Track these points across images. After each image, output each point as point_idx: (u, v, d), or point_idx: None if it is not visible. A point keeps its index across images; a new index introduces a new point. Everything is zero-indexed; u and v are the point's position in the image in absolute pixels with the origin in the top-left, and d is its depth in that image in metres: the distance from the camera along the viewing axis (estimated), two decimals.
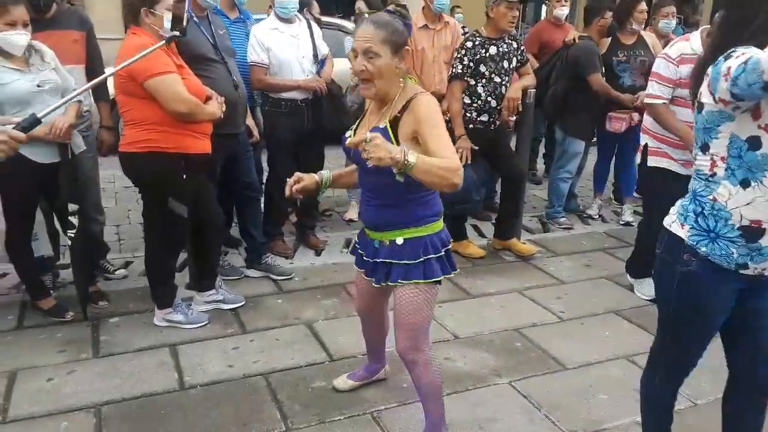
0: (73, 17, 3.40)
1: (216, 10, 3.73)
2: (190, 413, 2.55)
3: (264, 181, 4.15)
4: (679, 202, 1.93)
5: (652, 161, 3.46)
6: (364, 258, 2.24)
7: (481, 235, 4.68)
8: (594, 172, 5.23)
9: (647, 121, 3.51)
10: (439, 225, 2.15)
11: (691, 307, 1.90)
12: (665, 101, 3.29)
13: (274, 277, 3.81)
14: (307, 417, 2.54)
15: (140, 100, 2.84)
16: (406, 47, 2.04)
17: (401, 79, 2.06)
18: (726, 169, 1.72)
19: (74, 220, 3.13)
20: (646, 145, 3.50)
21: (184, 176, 2.97)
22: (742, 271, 1.79)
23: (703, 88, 1.74)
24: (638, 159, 3.58)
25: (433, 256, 2.10)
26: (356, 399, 2.67)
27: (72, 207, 3.12)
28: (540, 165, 6.23)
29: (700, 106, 1.77)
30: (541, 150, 6.11)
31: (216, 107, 3.05)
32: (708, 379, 2.86)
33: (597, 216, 5.11)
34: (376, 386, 2.75)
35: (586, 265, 4.23)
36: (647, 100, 3.40)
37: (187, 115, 2.87)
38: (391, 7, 4.38)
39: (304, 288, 3.73)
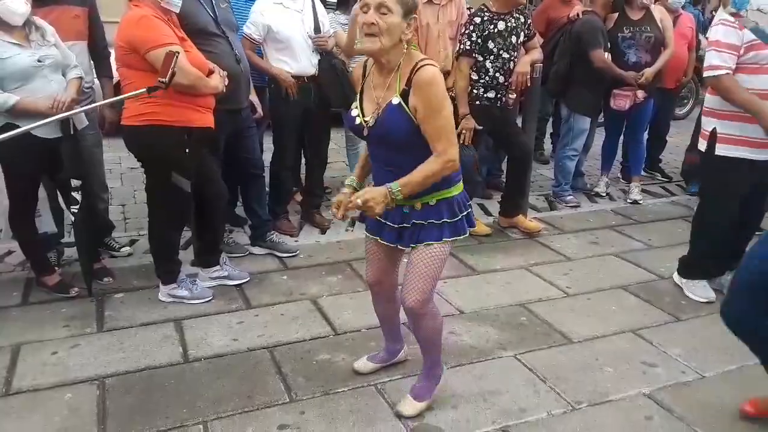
0: None
1: None
2: (194, 385, 2.55)
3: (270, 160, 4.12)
4: None
5: (722, 149, 3.11)
6: (387, 224, 2.21)
7: (487, 213, 4.64)
8: (602, 149, 5.17)
9: (711, 101, 3.18)
10: (461, 186, 2.21)
11: None
12: (728, 71, 2.96)
13: (279, 254, 3.80)
14: (311, 389, 2.53)
15: (142, 72, 2.81)
16: (414, 16, 2.02)
17: (405, 46, 2.03)
18: None
19: (77, 195, 3.12)
20: (714, 131, 3.14)
21: (187, 150, 2.95)
22: None
23: None
24: (703, 146, 3.25)
25: (465, 212, 2.20)
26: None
27: (75, 183, 3.11)
28: (548, 145, 6.18)
29: None
30: (549, 129, 6.05)
31: (218, 81, 3.03)
32: (715, 352, 2.85)
33: (605, 194, 5.06)
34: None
35: (593, 242, 4.19)
36: (707, 73, 3.07)
37: (189, 88, 2.84)
38: None
39: (309, 265, 3.72)
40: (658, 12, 4.68)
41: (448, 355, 2.78)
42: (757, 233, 3.34)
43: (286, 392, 2.51)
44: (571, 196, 4.87)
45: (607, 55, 4.51)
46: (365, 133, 2.10)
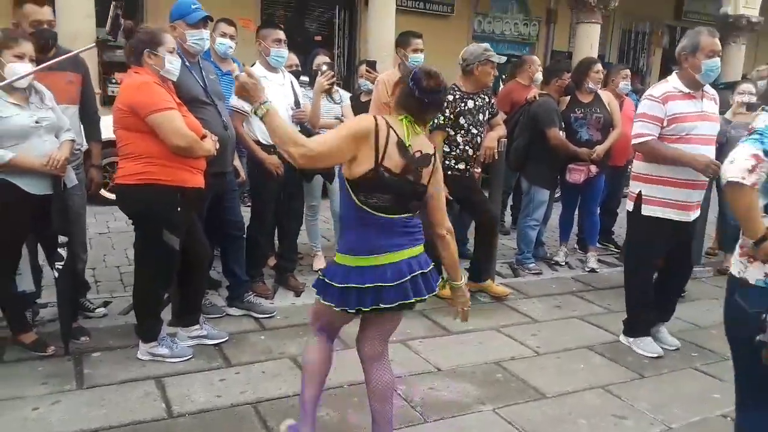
0: (69, 60, 3.52)
1: (206, 56, 3.92)
2: None
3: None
4: None
5: (648, 210, 3.46)
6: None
7: None
8: (559, 221, 5.49)
9: (639, 167, 3.54)
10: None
11: None
12: (653, 137, 3.36)
13: (256, 315, 3.85)
14: None
15: (140, 134, 2.96)
16: None
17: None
18: None
19: (63, 252, 3.16)
20: (640, 193, 3.50)
21: (179, 209, 3.06)
22: None
23: None
24: (630, 206, 3.59)
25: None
26: (345, 424, 2.73)
27: (61, 239, 3.15)
28: (507, 217, 6.48)
29: None
30: (509, 202, 6.37)
31: (211, 145, 3.19)
32: (680, 405, 3.03)
33: (564, 263, 5.33)
34: (363, 409, 2.79)
35: (557, 306, 4.41)
36: (635, 141, 3.46)
37: (186, 150, 2.99)
38: (363, 67, 4.66)
39: (287, 326, 3.78)
40: (606, 96, 5.15)
41: (431, 409, 2.89)
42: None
43: None
44: (534, 264, 5.12)
45: (562, 133, 4.91)
46: None
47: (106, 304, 3.91)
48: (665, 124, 3.37)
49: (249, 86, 2.15)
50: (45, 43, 3.31)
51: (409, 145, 2.19)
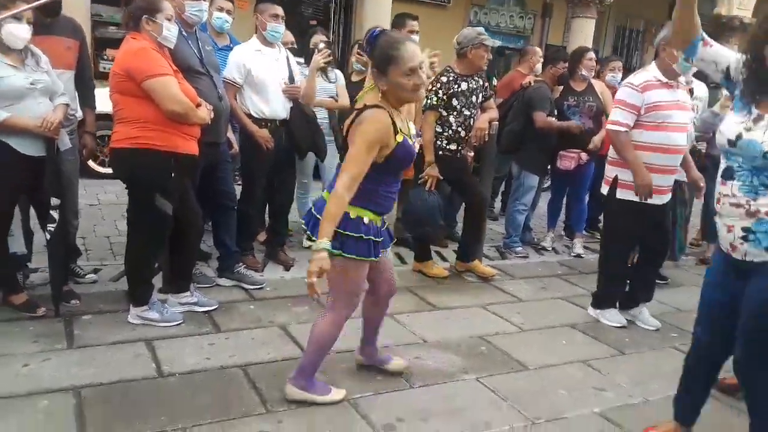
0: (68, 26, 3.53)
1: (202, 27, 3.94)
2: (171, 397, 2.60)
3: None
4: None
5: (621, 194, 3.61)
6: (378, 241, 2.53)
7: (444, 259, 4.89)
8: (547, 207, 5.57)
9: (615, 152, 3.66)
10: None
11: None
12: (626, 129, 3.53)
13: (246, 285, 3.89)
14: (286, 402, 2.62)
15: (135, 98, 2.98)
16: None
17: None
18: None
19: (55, 214, 3.18)
20: (615, 177, 3.64)
21: (173, 174, 3.09)
22: None
23: None
24: (605, 190, 3.74)
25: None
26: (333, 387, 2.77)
27: (54, 201, 3.18)
28: (498, 203, 6.56)
29: None
30: (501, 188, 6.44)
31: (206, 113, 3.22)
32: (658, 381, 3.12)
33: (550, 248, 5.41)
34: (351, 378, 2.88)
35: (542, 287, 4.48)
36: (609, 126, 3.62)
37: (181, 116, 3.02)
38: (356, 48, 4.69)
39: (276, 297, 3.83)
40: (599, 86, 5.22)
41: (416, 376, 2.95)
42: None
43: (262, 405, 2.60)
44: (521, 248, 5.20)
45: (553, 119, 4.98)
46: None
47: (96, 271, 3.95)
48: (643, 111, 3.52)
49: None
50: (53, 7, 3.33)
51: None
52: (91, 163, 6.41)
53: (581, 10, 11.46)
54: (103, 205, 5.65)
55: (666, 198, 3.68)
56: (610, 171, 3.72)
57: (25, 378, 2.64)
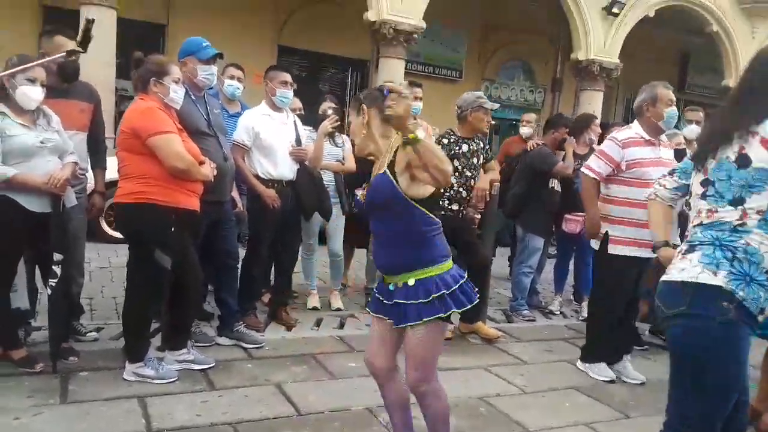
0: (84, 90, 3.71)
1: (215, 95, 4.12)
2: None
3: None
4: (695, 255, 2.00)
5: (613, 249, 3.71)
6: (384, 302, 2.39)
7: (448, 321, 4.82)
8: (554, 271, 5.53)
9: (605, 209, 3.78)
10: (449, 265, 2.33)
11: (732, 358, 1.95)
12: (596, 177, 3.71)
13: (245, 345, 3.87)
14: None
15: (140, 155, 3.10)
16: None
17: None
18: (760, 220, 1.94)
19: (57, 269, 3.24)
20: (606, 233, 3.74)
21: (173, 229, 3.15)
22: (759, 316, 1.93)
23: (755, 146, 1.94)
24: (596, 245, 3.84)
25: (445, 292, 2.25)
26: None
27: (57, 257, 3.24)
28: (504, 262, 6.52)
29: (745, 162, 1.95)
30: (507, 253, 6.42)
31: (209, 171, 3.32)
32: None
33: (558, 312, 5.33)
34: None
35: (548, 350, 4.39)
36: (583, 170, 3.78)
37: (183, 172, 3.12)
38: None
39: (275, 356, 3.80)
40: None
41: None
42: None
43: None
44: (527, 311, 5.13)
45: (557, 183, 5.02)
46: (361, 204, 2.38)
47: (98, 329, 3.96)
48: (624, 167, 3.66)
49: (403, 107, 2.11)
50: (71, 73, 3.53)
51: None
52: (105, 226, 6.56)
53: (589, 83, 11.76)
54: (113, 268, 5.72)
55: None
56: (601, 227, 3.81)
57: (14, 431, 2.62)
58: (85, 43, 3.01)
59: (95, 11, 8.32)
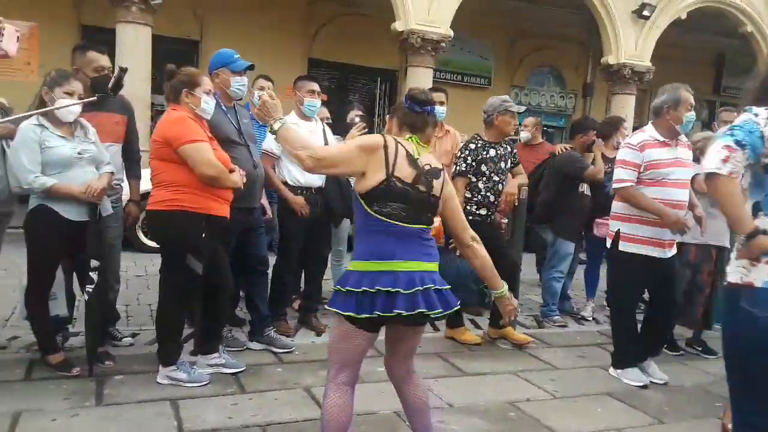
0: (118, 103, 3.82)
1: (246, 107, 4.22)
2: None
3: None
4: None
5: (624, 246, 3.72)
6: None
7: (478, 327, 4.81)
8: (584, 276, 5.45)
9: (617, 207, 3.81)
10: (364, 265, 2.25)
11: None
12: (632, 183, 3.66)
13: (276, 349, 3.92)
14: None
15: (172, 164, 3.18)
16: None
17: None
18: None
19: (94, 276, 3.34)
20: (618, 231, 3.76)
21: (204, 235, 3.22)
22: None
23: None
24: (608, 243, 3.84)
25: (339, 287, 2.25)
26: None
27: (93, 263, 3.34)
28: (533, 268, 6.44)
29: None
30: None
31: (238, 178, 3.39)
32: None
33: (590, 318, 5.25)
34: None
35: (580, 356, 4.33)
36: (615, 185, 3.74)
37: (213, 179, 3.19)
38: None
39: (304, 360, 3.83)
40: None
41: None
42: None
43: None
44: (558, 316, 5.07)
45: (586, 187, 4.97)
46: None
47: (134, 335, 4.06)
48: (642, 169, 3.65)
49: (269, 104, 2.34)
50: (103, 88, 3.64)
51: (418, 158, 2.31)
52: (141, 236, 6.72)
53: (621, 88, 11.61)
54: (149, 276, 5.85)
55: (669, 252, 3.76)
56: (612, 225, 3.83)
57: None
58: (116, 89, 3.15)
59: (131, 29, 8.61)
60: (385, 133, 2.42)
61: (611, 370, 3.94)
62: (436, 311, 2.21)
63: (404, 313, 2.15)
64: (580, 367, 4.10)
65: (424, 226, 2.32)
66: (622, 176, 3.69)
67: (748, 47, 12.77)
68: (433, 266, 2.32)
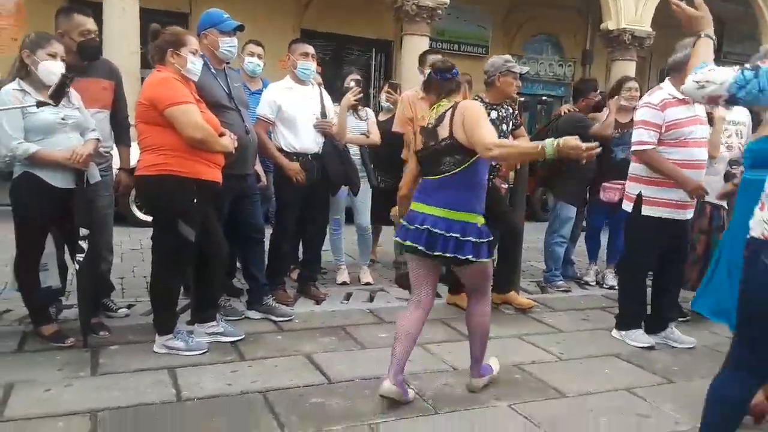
0: (104, 68, 3.68)
1: (237, 72, 4.08)
2: (187, 420, 2.54)
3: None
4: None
5: (648, 210, 3.60)
6: None
7: None
8: (585, 241, 5.35)
9: (637, 169, 3.66)
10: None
11: None
12: (654, 145, 3.51)
13: (275, 318, 3.84)
14: (304, 426, 2.52)
15: (159, 127, 3.06)
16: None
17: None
18: None
19: (84, 244, 3.23)
20: (639, 194, 3.63)
21: (195, 200, 3.12)
22: None
23: None
24: (628, 207, 3.70)
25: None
26: (354, 412, 2.65)
27: (83, 231, 3.23)
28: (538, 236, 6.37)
29: None
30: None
31: (229, 142, 3.26)
32: None
33: (593, 282, 5.17)
34: (373, 401, 2.74)
35: (584, 319, 4.26)
36: (636, 147, 3.58)
37: (201, 142, 3.07)
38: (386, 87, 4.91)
39: (304, 328, 3.75)
40: None
41: (443, 402, 2.80)
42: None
43: (279, 428, 2.50)
44: (562, 281, 4.99)
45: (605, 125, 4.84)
46: None
47: (129, 306, 3.97)
48: (663, 130, 3.51)
49: None
50: (91, 53, 3.50)
51: (429, 123, 2.77)
52: (136, 211, 6.62)
53: (620, 53, 11.43)
54: (144, 249, 5.76)
55: (688, 214, 3.66)
56: (633, 188, 3.70)
57: (45, 402, 2.62)
58: (58, 96, 2.89)
59: (118, 2, 8.39)
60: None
61: (614, 332, 3.87)
62: (436, 252, 2.60)
63: (400, 240, 2.70)
64: (584, 329, 4.03)
65: (447, 174, 2.66)
66: (644, 138, 3.54)
67: (749, 13, 12.54)
68: (440, 212, 2.64)
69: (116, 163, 3.82)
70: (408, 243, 2.64)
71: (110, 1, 8.36)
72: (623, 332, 3.81)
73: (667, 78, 3.64)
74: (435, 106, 2.80)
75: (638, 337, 3.73)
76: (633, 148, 3.63)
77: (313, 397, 2.79)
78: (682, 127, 3.49)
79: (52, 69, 3.10)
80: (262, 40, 4.98)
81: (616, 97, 4.89)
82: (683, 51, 3.54)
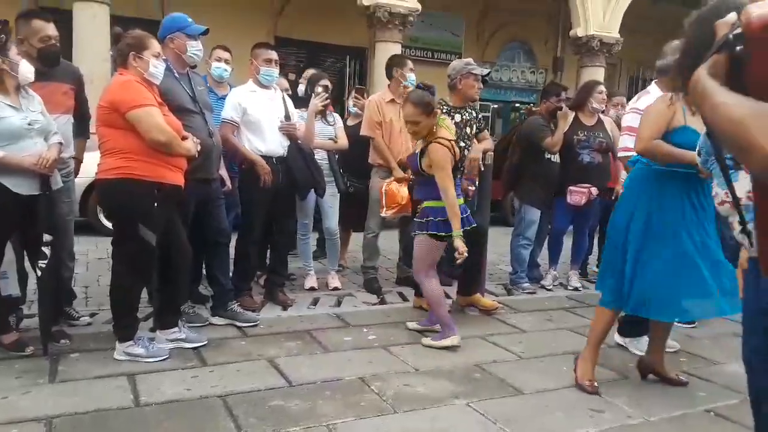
0: (66, 71, 3.67)
1: (203, 78, 4.10)
2: (144, 425, 2.53)
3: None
4: None
5: None
6: None
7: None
8: (548, 245, 5.39)
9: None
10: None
11: None
12: None
13: (239, 323, 3.84)
14: (262, 428, 2.53)
15: (120, 130, 3.06)
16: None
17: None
18: None
19: (46, 250, 3.21)
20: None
21: (156, 204, 3.12)
22: None
23: None
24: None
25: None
26: (313, 413, 2.67)
27: (46, 237, 3.21)
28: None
29: None
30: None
31: (192, 145, 3.28)
32: (660, 401, 2.94)
33: (550, 287, 5.17)
34: (333, 402, 2.76)
35: (548, 320, 4.33)
36: (622, 154, 3.56)
37: (164, 145, 3.07)
38: (355, 91, 4.99)
39: (269, 333, 3.76)
40: (609, 122, 5.17)
41: (403, 401, 2.83)
42: None
43: (236, 431, 2.50)
44: (527, 284, 5.05)
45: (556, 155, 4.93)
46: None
47: (92, 315, 3.94)
48: None
49: None
50: (51, 57, 3.49)
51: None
52: (103, 220, 6.55)
53: (590, 60, 11.63)
54: (110, 259, 5.69)
55: None
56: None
57: (0, 408, 2.60)
58: None
59: (88, 8, 8.36)
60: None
61: (617, 337, 3.75)
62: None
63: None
64: (547, 330, 4.10)
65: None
66: (629, 144, 3.50)
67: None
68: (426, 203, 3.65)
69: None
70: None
71: (80, 7, 8.32)
72: (627, 339, 3.72)
73: (653, 82, 3.64)
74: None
75: (643, 346, 3.51)
76: (619, 154, 3.62)
77: (273, 399, 2.80)
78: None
79: (28, 69, 3.11)
80: (236, 47, 5.00)
81: (564, 108, 4.95)
82: (671, 55, 3.55)
